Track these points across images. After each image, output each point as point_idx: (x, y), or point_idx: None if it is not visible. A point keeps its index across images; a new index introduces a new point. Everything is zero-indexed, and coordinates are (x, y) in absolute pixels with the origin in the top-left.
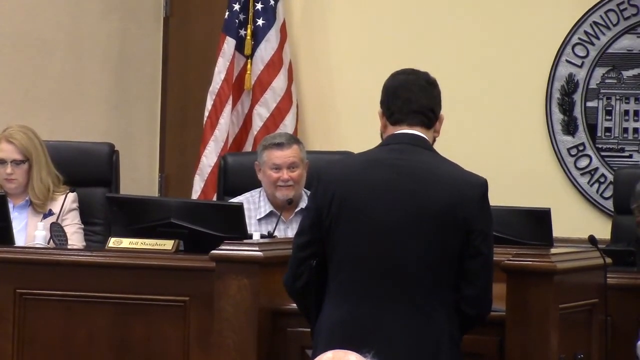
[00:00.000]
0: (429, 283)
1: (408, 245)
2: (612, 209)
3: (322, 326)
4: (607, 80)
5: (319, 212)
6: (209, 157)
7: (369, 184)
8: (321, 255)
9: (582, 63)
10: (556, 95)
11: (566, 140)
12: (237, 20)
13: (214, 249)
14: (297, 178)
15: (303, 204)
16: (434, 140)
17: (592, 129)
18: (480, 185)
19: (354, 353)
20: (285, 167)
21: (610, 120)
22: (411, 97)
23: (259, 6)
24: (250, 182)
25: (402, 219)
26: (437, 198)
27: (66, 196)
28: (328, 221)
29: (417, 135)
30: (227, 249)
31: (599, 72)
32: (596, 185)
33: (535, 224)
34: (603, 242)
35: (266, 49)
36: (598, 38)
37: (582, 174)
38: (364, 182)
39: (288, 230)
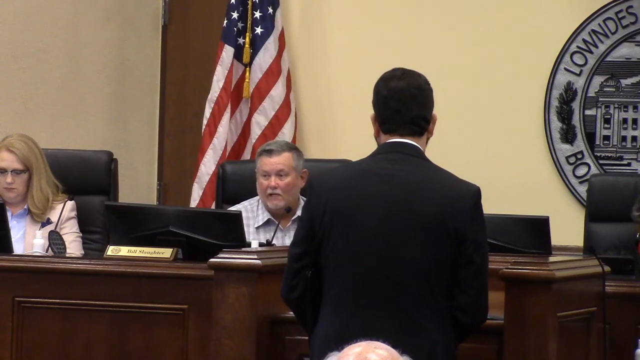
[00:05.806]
0: (422, 293)
1: (400, 256)
2: None
3: (317, 337)
4: (605, 89)
5: (311, 224)
6: (208, 165)
7: (360, 195)
8: (316, 266)
9: (581, 71)
10: (555, 103)
11: (564, 149)
12: (235, 29)
13: (212, 257)
14: (285, 186)
15: (300, 211)
16: (428, 140)
17: (590, 137)
18: (471, 194)
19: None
20: (274, 174)
21: (609, 128)
22: (401, 109)
23: (257, 14)
24: (249, 190)
25: (393, 229)
26: (428, 208)
27: (64, 204)
28: (321, 232)
29: (409, 144)
30: (225, 257)
31: (598, 80)
32: None
33: (533, 232)
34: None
35: (265, 57)
36: (596, 46)
37: (580, 182)
38: (356, 193)
39: (286, 238)
